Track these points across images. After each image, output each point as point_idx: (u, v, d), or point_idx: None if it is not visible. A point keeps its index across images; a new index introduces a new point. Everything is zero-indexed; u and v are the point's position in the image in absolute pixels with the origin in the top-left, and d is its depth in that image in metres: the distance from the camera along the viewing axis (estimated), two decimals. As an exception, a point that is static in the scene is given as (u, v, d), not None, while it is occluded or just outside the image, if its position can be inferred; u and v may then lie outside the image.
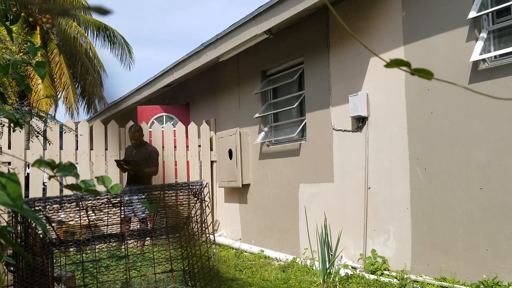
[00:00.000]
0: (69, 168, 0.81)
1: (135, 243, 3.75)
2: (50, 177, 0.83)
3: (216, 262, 3.24)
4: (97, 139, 7.24)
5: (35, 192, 6.73)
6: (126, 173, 6.68)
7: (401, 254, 4.42)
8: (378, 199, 4.70)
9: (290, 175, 6.01)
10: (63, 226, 3.36)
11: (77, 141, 7.14)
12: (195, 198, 3.21)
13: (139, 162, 6.39)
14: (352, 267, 4.75)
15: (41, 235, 2.97)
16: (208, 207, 3.29)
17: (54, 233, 3.18)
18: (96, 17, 15.21)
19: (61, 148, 7.03)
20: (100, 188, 0.98)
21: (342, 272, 4.45)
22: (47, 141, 4.73)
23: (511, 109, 3.56)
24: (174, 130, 7.68)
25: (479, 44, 3.79)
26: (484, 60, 3.81)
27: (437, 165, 4.11)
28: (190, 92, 8.99)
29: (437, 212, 4.10)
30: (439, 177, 4.09)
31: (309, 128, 5.70)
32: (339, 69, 5.23)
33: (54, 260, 3.25)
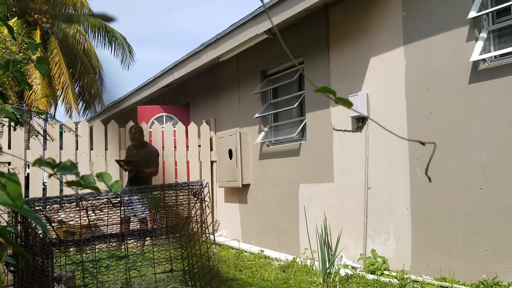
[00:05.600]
0: (70, 167, 0.81)
1: (135, 243, 3.74)
2: (50, 175, 0.83)
3: (216, 262, 3.24)
4: (97, 139, 7.23)
5: (35, 192, 6.73)
6: (127, 173, 6.69)
7: (401, 254, 4.42)
8: (378, 199, 4.70)
9: (290, 175, 6.01)
10: (63, 226, 3.36)
11: (77, 141, 7.14)
12: (195, 198, 3.21)
13: (140, 163, 6.39)
14: (352, 267, 4.75)
15: (41, 235, 2.97)
16: (208, 207, 3.29)
17: (54, 233, 3.18)
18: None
19: (61, 148, 7.03)
20: (100, 185, 0.97)
21: (342, 272, 4.45)
22: (49, 137, 4.70)
23: (511, 109, 3.56)
24: (174, 130, 7.68)
25: (479, 44, 3.79)
26: (484, 60, 3.81)
27: (437, 165, 4.11)
28: (190, 92, 8.99)
29: (437, 212, 4.10)
30: (439, 177, 4.09)
31: (309, 128, 5.70)
32: (339, 69, 5.23)
33: (54, 260, 3.25)
